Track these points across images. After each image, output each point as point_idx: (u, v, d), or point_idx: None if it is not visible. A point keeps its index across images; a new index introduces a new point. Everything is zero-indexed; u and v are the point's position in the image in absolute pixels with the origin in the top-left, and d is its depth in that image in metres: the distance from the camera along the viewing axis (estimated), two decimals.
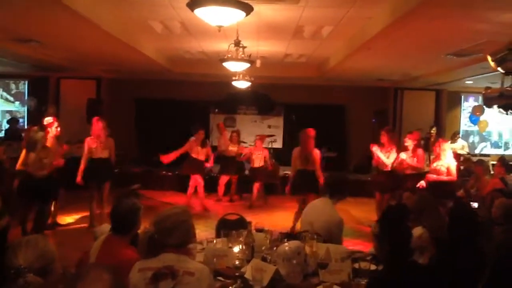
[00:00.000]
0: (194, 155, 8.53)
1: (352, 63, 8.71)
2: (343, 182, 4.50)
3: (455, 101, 13.04)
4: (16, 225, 5.88)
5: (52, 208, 7.00)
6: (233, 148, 9.60)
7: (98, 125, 7.17)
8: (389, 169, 7.30)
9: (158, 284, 2.33)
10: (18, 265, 1.76)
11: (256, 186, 9.26)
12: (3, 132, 12.33)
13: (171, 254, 2.44)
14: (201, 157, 8.57)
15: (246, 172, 9.85)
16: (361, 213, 8.33)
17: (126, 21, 6.83)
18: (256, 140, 9.61)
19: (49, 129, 6.99)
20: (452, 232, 2.92)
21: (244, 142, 10.47)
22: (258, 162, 9.37)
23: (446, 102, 12.87)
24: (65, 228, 7.22)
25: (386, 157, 7.35)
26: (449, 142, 10.93)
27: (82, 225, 7.29)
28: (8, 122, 11.85)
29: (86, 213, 7.38)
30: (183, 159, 8.67)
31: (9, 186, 6.48)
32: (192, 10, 3.72)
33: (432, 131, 10.87)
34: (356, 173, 11.35)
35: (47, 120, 7.14)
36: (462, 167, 8.94)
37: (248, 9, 3.69)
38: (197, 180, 8.53)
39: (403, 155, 7.19)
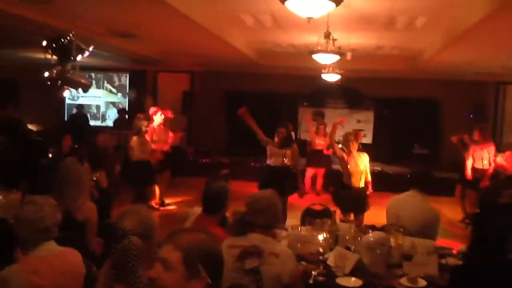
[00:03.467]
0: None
1: (449, 55, 8.30)
2: (430, 174, 4.31)
3: None
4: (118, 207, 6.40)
5: (157, 192, 7.62)
6: (320, 141, 9.59)
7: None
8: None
9: (245, 261, 2.48)
10: (124, 228, 2.02)
11: None
12: (107, 121, 13.40)
13: (258, 234, 2.58)
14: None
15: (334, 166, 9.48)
16: (454, 213, 7.92)
17: (219, 14, 7.08)
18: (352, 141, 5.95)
19: (154, 117, 7.55)
20: None
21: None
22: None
23: None
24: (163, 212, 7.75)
25: (481, 155, 7.24)
26: None
27: (178, 209, 7.76)
28: (118, 112, 12.86)
29: (186, 198, 7.99)
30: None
31: (112, 169, 7.09)
32: (283, 2, 3.80)
33: None
34: (450, 171, 10.80)
35: (152, 110, 7.72)
36: None
37: (338, 0, 3.70)
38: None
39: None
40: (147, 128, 7.22)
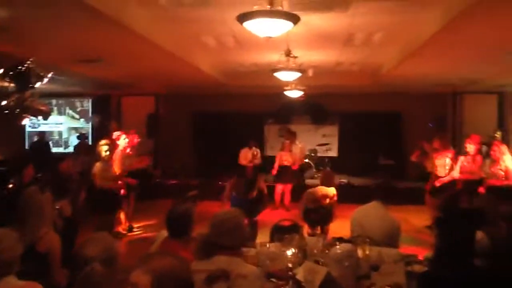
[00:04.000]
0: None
1: (406, 69, 8.57)
2: (392, 186, 4.43)
3: None
4: (83, 235, 6.24)
5: (123, 217, 7.47)
6: (287, 158, 9.71)
7: None
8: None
9: (212, 286, 2.44)
10: (86, 255, 2.02)
11: None
12: (70, 148, 13.13)
13: (223, 256, 2.55)
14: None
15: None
16: (420, 221, 8.11)
17: (181, 37, 7.12)
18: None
19: (117, 142, 7.43)
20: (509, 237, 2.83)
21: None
22: None
23: (509, 105, 12.29)
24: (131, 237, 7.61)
25: (443, 162, 7.42)
26: None
27: (147, 234, 7.64)
28: (78, 137, 12.63)
29: (154, 222, 7.90)
30: None
31: (77, 197, 6.92)
32: (241, 23, 3.87)
33: (496, 135, 10.41)
34: (415, 181, 11.07)
35: (116, 134, 7.60)
36: None
37: (295, 19, 3.80)
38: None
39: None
40: (110, 154, 7.06)
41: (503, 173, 6.39)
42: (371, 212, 3.91)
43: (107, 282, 1.99)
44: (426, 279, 2.61)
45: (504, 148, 6.63)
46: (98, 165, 6.88)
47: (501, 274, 2.64)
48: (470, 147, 7.04)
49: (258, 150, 10.57)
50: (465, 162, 7.06)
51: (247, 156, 10.19)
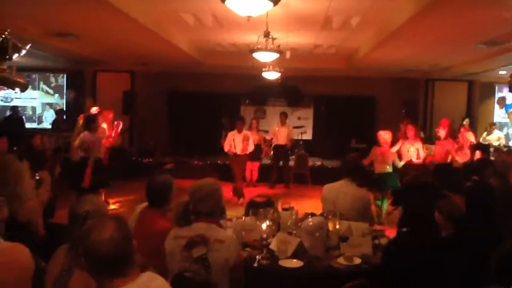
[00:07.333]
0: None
1: (381, 53, 8.75)
2: (360, 164, 4.58)
3: (488, 92, 12.83)
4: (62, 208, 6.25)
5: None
6: (254, 136, 9.79)
7: None
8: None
9: (192, 250, 2.58)
10: (87, 210, 2.18)
11: None
12: (44, 123, 12.96)
13: (202, 223, 2.69)
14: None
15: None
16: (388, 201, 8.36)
17: (159, 13, 7.09)
18: None
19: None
20: (469, 209, 3.02)
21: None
22: None
23: (478, 93, 12.69)
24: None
25: (408, 148, 7.49)
26: (485, 133, 10.93)
27: (124, 209, 7.70)
28: (56, 113, 12.44)
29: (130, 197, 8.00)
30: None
31: (52, 173, 6.90)
32: (223, 1, 3.93)
33: (464, 123, 10.75)
34: None
35: (93, 110, 7.58)
36: (493, 158, 8.86)
37: None
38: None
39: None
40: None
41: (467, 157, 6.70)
42: (342, 190, 4.08)
43: None
44: (390, 247, 2.79)
45: (469, 135, 6.92)
46: (89, 137, 6.81)
47: (457, 243, 2.84)
48: (441, 132, 7.31)
49: (249, 134, 9.15)
50: (438, 147, 7.31)
51: (236, 141, 8.74)
